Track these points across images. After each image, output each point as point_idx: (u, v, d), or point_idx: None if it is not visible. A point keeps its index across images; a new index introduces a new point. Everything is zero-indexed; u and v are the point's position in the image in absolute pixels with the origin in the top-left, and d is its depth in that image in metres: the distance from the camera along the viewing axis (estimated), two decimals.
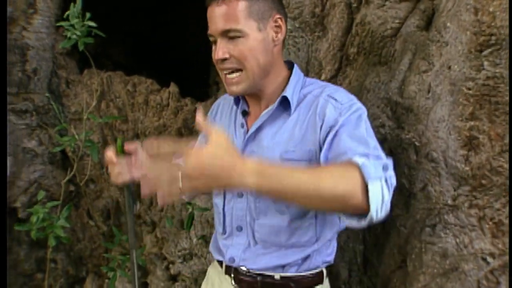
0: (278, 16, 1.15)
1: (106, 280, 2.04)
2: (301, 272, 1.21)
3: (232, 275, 1.25)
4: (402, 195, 1.35)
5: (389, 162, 0.99)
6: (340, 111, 1.09)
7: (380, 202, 0.91)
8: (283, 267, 1.21)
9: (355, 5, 1.61)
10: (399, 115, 1.38)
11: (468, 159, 1.18)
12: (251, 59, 1.11)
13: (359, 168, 0.91)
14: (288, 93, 1.16)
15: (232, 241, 1.25)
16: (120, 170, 1.21)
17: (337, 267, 1.58)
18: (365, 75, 1.57)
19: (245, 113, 1.26)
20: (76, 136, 1.85)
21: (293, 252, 1.20)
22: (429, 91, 1.27)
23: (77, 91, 2.07)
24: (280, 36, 1.17)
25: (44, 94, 1.96)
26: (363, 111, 1.12)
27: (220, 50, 1.10)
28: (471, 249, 1.17)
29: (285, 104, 1.17)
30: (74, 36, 1.70)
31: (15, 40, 1.82)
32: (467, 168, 1.18)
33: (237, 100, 1.28)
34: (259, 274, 1.21)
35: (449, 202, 1.21)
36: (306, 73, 1.70)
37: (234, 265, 1.23)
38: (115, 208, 2.03)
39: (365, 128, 1.09)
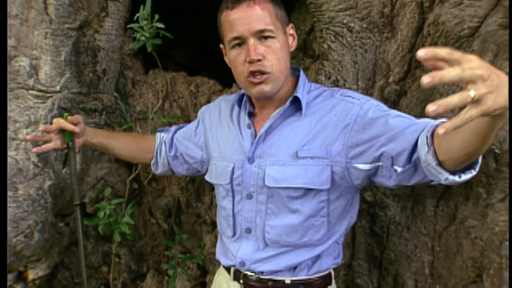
0: (292, 24, 1.24)
1: (166, 277, 2.08)
2: (311, 275, 1.21)
3: (242, 281, 1.25)
4: (479, 205, 1.27)
5: None
6: (360, 106, 1.14)
7: None
8: (294, 269, 1.20)
9: (427, 4, 1.54)
10: None
11: None
12: (280, 61, 1.16)
13: None
14: (299, 93, 1.20)
15: (241, 244, 1.24)
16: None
17: (403, 277, 1.52)
18: None
19: (251, 115, 1.28)
20: None
21: (304, 251, 1.20)
22: None
23: (142, 91, 2.13)
24: (294, 44, 1.24)
25: (112, 94, 2.03)
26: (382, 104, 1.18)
27: (256, 50, 1.12)
28: None
29: (296, 104, 1.21)
30: (143, 38, 1.75)
31: (88, 43, 1.89)
32: None
33: (240, 101, 1.32)
34: (270, 279, 1.21)
35: None
36: (373, 76, 1.65)
37: (245, 268, 1.23)
38: (176, 206, 2.06)
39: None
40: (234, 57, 1.17)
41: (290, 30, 1.23)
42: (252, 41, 1.12)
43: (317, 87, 1.28)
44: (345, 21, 1.64)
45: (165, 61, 2.65)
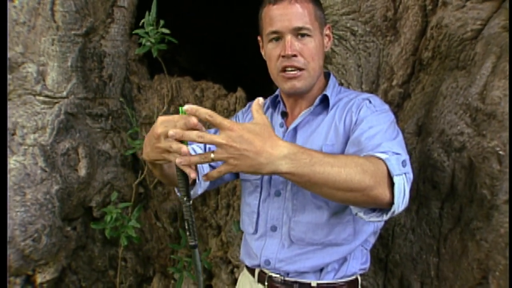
0: (329, 25, 1.27)
1: (172, 281, 2.09)
2: (338, 279, 1.20)
3: (266, 283, 1.24)
4: (483, 207, 1.27)
5: (407, 158, 1.02)
6: (371, 112, 1.15)
7: (402, 196, 0.97)
8: (320, 272, 1.20)
9: (430, 7, 1.55)
10: (480, 122, 1.31)
11: None
12: (315, 60, 1.19)
13: (383, 162, 0.96)
14: (328, 92, 1.23)
15: (265, 242, 1.24)
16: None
17: (408, 279, 1.52)
18: (440, 80, 1.51)
19: (284, 114, 1.31)
20: None
21: (330, 251, 1.19)
22: None
23: (147, 96, 2.15)
24: (329, 44, 1.27)
25: (118, 99, 2.04)
26: (394, 118, 1.18)
27: (292, 46, 1.15)
28: None
29: (324, 103, 1.23)
30: (148, 43, 1.77)
31: (94, 49, 1.92)
32: None
33: (273, 102, 1.35)
34: (295, 282, 1.20)
35: None
36: (377, 79, 1.66)
37: (269, 267, 1.22)
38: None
39: (392, 129, 1.12)
40: (270, 51, 1.20)
41: (327, 30, 1.26)
42: (289, 37, 1.15)
43: (345, 90, 1.31)
44: (348, 24, 1.65)
45: (170, 66, 2.67)
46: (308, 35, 1.16)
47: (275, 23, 1.16)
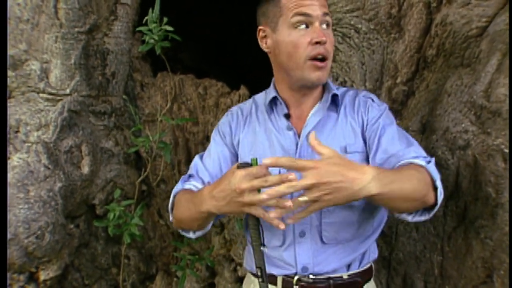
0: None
1: (175, 279, 2.09)
2: (361, 267, 1.24)
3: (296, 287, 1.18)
4: (488, 205, 1.26)
5: (433, 160, 1.10)
6: (380, 113, 1.20)
7: (442, 196, 1.06)
8: (349, 265, 1.21)
9: (434, 4, 1.54)
10: (485, 119, 1.30)
11: None
12: (332, 51, 1.20)
13: (426, 169, 1.05)
14: (335, 90, 1.24)
15: (296, 250, 1.19)
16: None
17: (411, 278, 1.51)
18: (445, 78, 1.50)
19: (287, 116, 1.25)
20: (150, 137, 1.91)
21: (355, 246, 1.21)
22: None
23: (150, 93, 2.15)
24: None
25: (121, 96, 2.04)
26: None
27: (323, 32, 1.14)
28: None
29: (332, 102, 1.24)
30: (151, 41, 1.76)
31: (97, 46, 1.91)
32: None
33: (271, 104, 1.28)
34: (329, 278, 1.18)
35: None
36: (381, 76, 1.65)
37: (308, 273, 1.18)
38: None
39: (400, 129, 1.21)
40: (297, 38, 1.15)
41: None
42: (317, 24, 1.14)
43: (339, 87, 1.32)
44: (352, 22, 1.64)
45: (173, 64, 2.67)
46: (329, 26, 1.18)
47: (305, 7, 1.13)
